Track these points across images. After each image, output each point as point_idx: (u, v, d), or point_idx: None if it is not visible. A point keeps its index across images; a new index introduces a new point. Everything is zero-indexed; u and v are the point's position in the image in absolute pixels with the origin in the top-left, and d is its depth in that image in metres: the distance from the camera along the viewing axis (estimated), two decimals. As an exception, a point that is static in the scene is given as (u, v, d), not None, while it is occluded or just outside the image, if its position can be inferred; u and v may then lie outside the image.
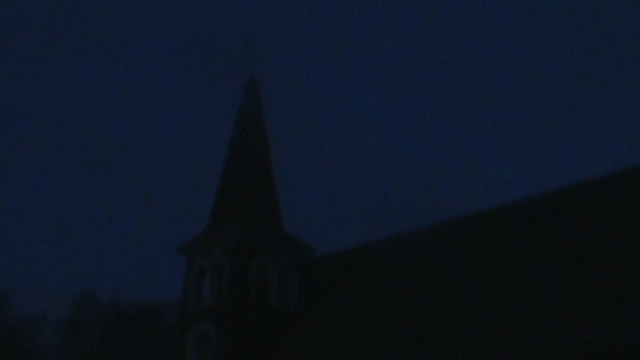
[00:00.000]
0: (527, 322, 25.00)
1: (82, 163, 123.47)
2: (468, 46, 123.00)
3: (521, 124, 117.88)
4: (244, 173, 36.92)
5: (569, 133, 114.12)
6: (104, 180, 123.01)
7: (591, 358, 22.81)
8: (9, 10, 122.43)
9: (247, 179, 36.76)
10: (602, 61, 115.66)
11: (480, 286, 28.02)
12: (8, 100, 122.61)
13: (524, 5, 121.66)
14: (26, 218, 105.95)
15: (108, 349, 62.48)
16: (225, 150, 38.20)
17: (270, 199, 37.07)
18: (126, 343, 62.65)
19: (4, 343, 62.91)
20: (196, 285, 35.18)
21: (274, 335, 33.23)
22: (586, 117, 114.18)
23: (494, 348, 25.07)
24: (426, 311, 28.66)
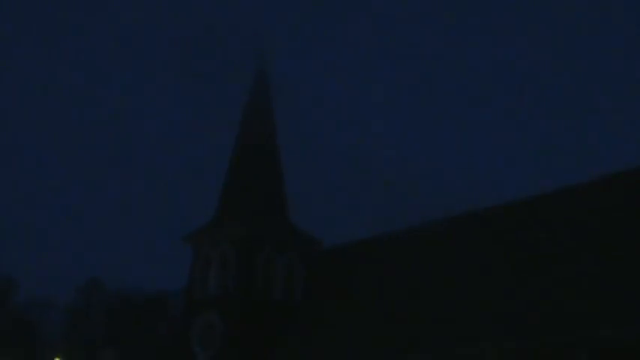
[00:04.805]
0: (533, 319, 25.13)
1: (91, 152, 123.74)
2: (470, 48, 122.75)
3: (522, 123, 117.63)
4: (252, 165, 37.00)
5: (569, 132, 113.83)
6: (112, 169, 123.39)
7: (598, 355, 22.96)
8: (12, 9, 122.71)
9: (255, 171, 36.82)
10: (602, 60, 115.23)
11: (486, 281, 28.13)
12: (21, 97, 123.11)
13: (521, 5, 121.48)
14: (33, 205, 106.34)
15: (113, 337, 62.74)
16: (233, 142, 38.31)
17: (277, 192, 37.14)
18: (131, 331, 62.91)
19: (9, 329, 63.23)
20: (202, 274, 35.22)
21: (279, 326, 33.39)
22: (585, 117, 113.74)
23: (500, 344, 25.23)
24: (431, 305, 28.80)
